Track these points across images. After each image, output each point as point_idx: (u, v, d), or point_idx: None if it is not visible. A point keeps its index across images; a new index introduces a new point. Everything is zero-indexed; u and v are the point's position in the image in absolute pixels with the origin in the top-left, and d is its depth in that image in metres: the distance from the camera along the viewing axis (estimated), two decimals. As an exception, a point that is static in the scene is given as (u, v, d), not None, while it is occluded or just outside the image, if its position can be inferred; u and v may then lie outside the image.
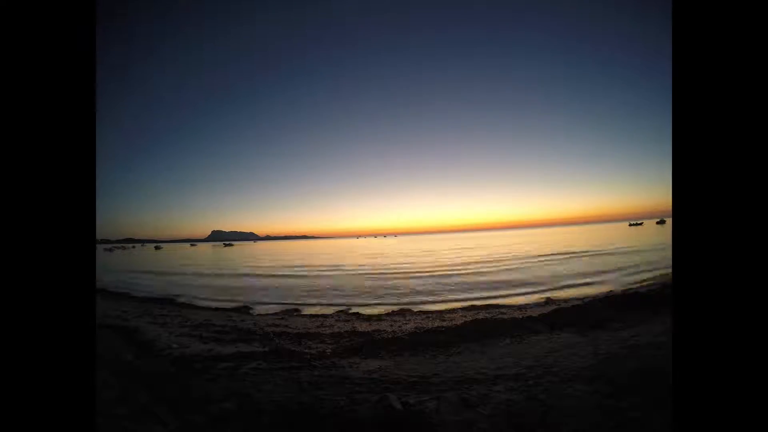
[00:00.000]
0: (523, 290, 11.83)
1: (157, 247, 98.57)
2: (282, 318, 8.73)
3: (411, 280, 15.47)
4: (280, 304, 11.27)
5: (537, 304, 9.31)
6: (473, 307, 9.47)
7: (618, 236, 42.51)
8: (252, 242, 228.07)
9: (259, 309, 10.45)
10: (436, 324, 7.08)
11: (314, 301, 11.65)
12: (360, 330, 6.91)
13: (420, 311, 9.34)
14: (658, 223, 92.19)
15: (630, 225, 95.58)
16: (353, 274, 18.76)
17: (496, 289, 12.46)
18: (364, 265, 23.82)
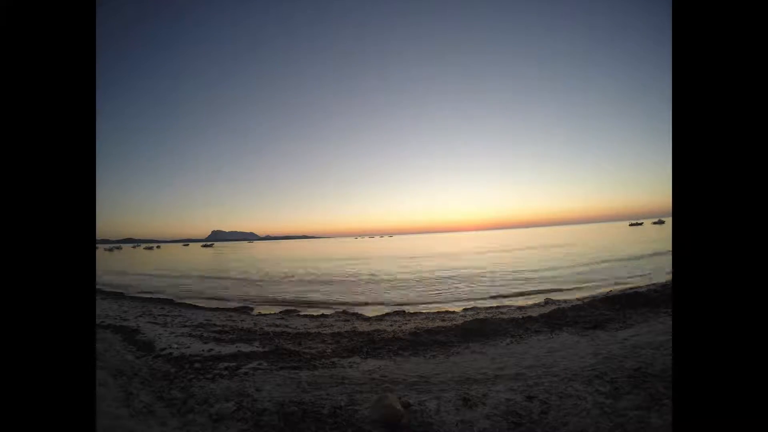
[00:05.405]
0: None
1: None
2: (282, 318, 8.72)
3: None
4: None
5: (537, 304, 9.30)
6: (474, 307, 9.46)
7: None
8: (249, 242, 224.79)
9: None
10: (436, 324, 7.07)
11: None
12: (360, 330, 6.91)
13: (419, 311, 9.33)
14: (654, 223, 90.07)
15: (630, 225, 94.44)
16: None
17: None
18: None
